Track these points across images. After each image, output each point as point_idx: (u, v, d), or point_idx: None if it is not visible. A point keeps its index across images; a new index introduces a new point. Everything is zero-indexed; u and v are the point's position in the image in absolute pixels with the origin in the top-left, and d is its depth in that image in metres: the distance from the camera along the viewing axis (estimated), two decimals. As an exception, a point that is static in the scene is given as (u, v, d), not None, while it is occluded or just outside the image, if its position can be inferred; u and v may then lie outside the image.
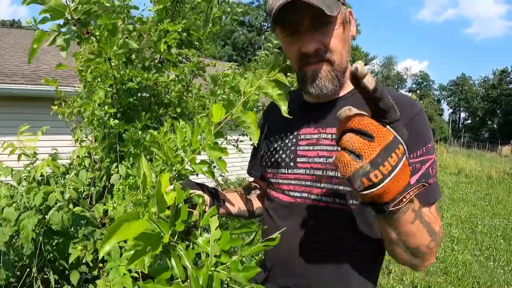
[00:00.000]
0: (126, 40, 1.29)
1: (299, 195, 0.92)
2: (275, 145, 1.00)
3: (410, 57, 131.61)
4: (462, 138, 48.39)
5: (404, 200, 0.60)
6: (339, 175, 0.85)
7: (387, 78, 62.08)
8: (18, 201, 2.12)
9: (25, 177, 2.37)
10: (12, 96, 5.41)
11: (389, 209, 0.59)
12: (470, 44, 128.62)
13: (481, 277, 4.39)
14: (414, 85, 68.03)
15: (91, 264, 1.72)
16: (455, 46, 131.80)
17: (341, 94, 0.94)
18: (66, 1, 0.94)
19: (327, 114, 0.93)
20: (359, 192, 0.54)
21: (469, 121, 66.31)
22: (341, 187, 0.85)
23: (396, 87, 64.18)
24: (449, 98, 67.79)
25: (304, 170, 0.91)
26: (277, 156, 0.98)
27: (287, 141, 0.97)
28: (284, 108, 0.82)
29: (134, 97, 1.96)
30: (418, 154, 0.83)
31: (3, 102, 5.47)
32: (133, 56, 1.94)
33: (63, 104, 2.41)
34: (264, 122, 1.12)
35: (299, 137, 0.95)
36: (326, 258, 0.88)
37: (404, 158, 0.55)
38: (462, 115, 67.91)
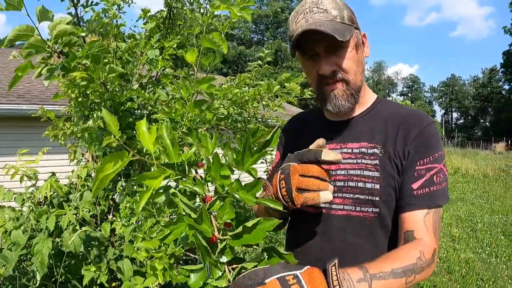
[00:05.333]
0: (112, 66, 1.33)
1: (322, 205, 0.99)
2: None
3: (400, 61, 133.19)
4: (455, 138, 48.74)
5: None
6: (359, 185, 0.94)
7: (378, 83, 62.60)
8: (25, 223, 2.12)
9: (28, 198, 2.38)
10: (7, 116, 5.42)
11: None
12: (458, 46, 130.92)
13: (485, 273, 4.42)
14: (405, 89, 68.72)
15: (106, 285, 1.73)
16: (443, 49, 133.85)
17: (359, 111, 1.04)
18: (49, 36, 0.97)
19: (347, 131, 1.02)
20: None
21: (461, 121, 66.99)
22: (362, 196, 0.94)
23: (387, 91, 64.72)
24: (440, 99, 68.56)
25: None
26: None
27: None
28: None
29: (133, 116, 1.99)
30: (425, 161, 0.92)
31: (1, 122, 5.49)
32: (129, 76, 1.96)
33: (51, 123, 2.39)
34: (285, 140, 1.19)
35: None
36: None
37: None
38: (455, 115, 68.66)
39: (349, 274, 0.69)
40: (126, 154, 0.52)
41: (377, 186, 0.93)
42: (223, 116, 1.73)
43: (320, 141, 0.89)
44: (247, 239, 0.60)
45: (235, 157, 0.63)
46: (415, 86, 68.47)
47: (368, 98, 1.05)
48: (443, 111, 69.12)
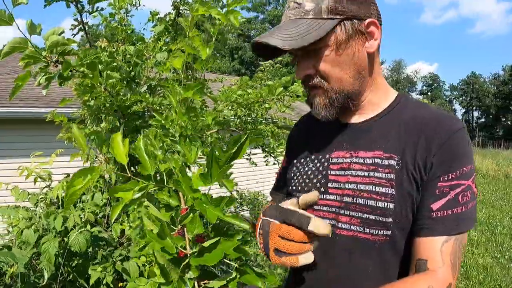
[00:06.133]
0: (109, 73, 1.33)
1: (328, 222, 0.86)
2: (306, 168, 0.94)
3: (420, 59, 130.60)
4: (476, 138, 47.47)
5: None
6: (370, 203, 0.80)
7: (397, 82, 61.58)
8: (36, 223, 2.18)
9: (41, 199, 2.44)
10: (26, 119, 5.58)
11: None
12: (477, 43, 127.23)
13: (503, 280, 4.28)
14: (424, 87, 67.38)
15: (111, 285, 1.76)
16: (462, 46, 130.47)
17: (374, 113, 0.88)
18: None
19: (360, 136, 0.87)
20: None
21: (482, 120, 65.18)
22: (372, 217, 0.80)
23: (407, 90, 63.60)
24: (460, 98, 66.89)
25: (335, 196, 0.86)
26: (308, 180, 0.93)
27: (318, 164, 0.91)
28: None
29: (140, 120, 2.01)
30: (450, 177, 0.76)
31: (13, 125, 5.65)
32: (137, 78, 1.98)
33: (65, 125, 2.45)
34: (293, 145, 1.07)
35: (331, 161, 0.89)
36: None
37: None
38: (475, 114, 66.82)
39: None
40: (96, 169, 0.52)
41: (391, 206, 0.78)
42: (224, 119, 1.72)
43: (311, 195, 0.83)
44: (206, 259, 0.57)
45: (203, 170, 0.61)
46: (435, 85, 67.07)
47: (385, 97, 0.89)
48: (463, 110, 67.49)
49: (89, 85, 1.14)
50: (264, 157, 2.47)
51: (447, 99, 66.96)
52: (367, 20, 0.79)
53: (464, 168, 0.76)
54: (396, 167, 0.79)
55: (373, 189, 0.79)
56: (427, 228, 0.76)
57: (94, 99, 1.62)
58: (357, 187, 0.82)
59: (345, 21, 0.77)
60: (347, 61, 0.80)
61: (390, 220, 0.78)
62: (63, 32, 0.84)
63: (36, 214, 2.37)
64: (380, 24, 0.83)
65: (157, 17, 2.23)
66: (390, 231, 0.78)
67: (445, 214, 0.75)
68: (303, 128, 1.05)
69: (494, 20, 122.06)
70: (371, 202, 0.79)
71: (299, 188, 0.94)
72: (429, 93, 64.51)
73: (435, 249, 0.74)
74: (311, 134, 1.00)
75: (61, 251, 1.77)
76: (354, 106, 0.86)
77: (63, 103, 1.79)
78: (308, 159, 0.95)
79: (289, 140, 1.11)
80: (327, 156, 0.90)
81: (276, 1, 42.34)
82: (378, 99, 0.88)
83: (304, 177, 0.93)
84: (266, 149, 2.36)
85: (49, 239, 1.66)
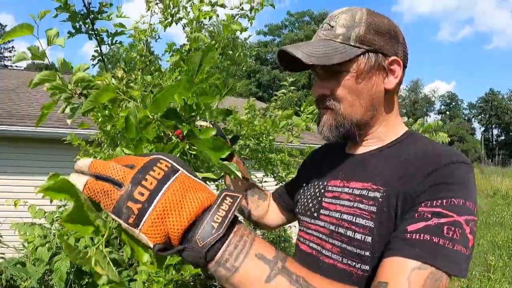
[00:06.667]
0: (127, 105, 1.43)
1: (314, 247, 0.88)
2: (307, 193, 0.98)
3: (437, 78, 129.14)
4: (496, 156, 46.18)
5: (215, 228, 0.44)
6: (348, 233, 0.77)
7: (415, 102, 60.78)
8: (51, 241, 2.29)
9: (57, 218, 2.56)
10: (43, 138, 5.78)
11: (201, 244, 0.44)
12: (494, 59, 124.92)
13: (521, 307, 4.14)
14: (442, 106, 66.32)
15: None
16: (479, 63, 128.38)
17: (376, 146, 0.87)
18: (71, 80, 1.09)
19: (357, 166, 0.86)
20: (134, 229, 0.44)
21: (502, 138, 63.48)
22: (349, 247, 0.77)
23: (425, 110, 62.75)
24: (479, 116, 65.55)
25: (324, 223, 0.86)
26: (305, 202, 0.96)
27: (316, 190, 0.94)
28: None
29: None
30: (434, 204, 0.66)
31: (35, 144, 5.85)
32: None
33: (80, 147, 2.58)
34: (308, 160, 1.12)
35: (327, 188, 0.90)
36: None
37: (178, 173, 0.47)
38: (495, 131, 65.21)
39: (253, 243, 0.48)
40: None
41: (369, 239, 0.73)
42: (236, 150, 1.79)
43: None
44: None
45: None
46: (453, 103, 66.05)
47: (393, 132, 0.86)
48: (483, 128, 66.02)
49: (108, 115, 1.23)
50: (276, 185, 2.54)
51: (466, 117, 65.68)
52: (392, 58, 0.81)
53: (454, 200, 0.66)
54: (380, 199, 0.75)
55: (354, 220, 0.77)
56: (395, 249, 0.65)
57: (112, 126, 1.73)
58: (340, 216, 0.81)
59: (370, 53, 0.79)
60: (363, 91, 0.81)
61: (367, 254, 0.73)
62: (87, 68, 0.94)
63: (50, 232, 2.48)
64: (405, 66, 0.85)
65: (173, 48, 2.36)
66: (368, 266, 0.73)
67: (421, 237, 0.63)
68: (319, 155, 1.08)
69: (510, 35, 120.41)
70: (349, 233, 0.77)
71: (302, 211, 0.97)
72: (447, 112, 63.49)
73: (402, 272, 0.61)
74: (322, 161, 1.02)
75: (72, 269, 1.86)
76: (360, 137, 0.87)
77: (81, 127, 1.91)
78: (310, 184, 0.99)
79: (304, 162, 1.15)
80: (325, 183, 0.92)
81: (292, 24, 42.99)
82: (385, 134, 0.87)
83: (304, 201, 0.97)
84: (276, 178, 2.43)
85: (61, 257, 1.76)
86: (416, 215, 0.67)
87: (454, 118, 59.78)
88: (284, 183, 1.19)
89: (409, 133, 0.86)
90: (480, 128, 66.67)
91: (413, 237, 0.64)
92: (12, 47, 48.88)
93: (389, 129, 0.87)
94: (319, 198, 0.91)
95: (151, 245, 0.44)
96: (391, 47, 0.81)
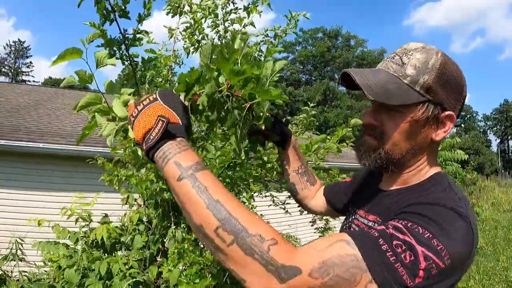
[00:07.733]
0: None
1: None
2: (347, 214, 1.08)
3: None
4: (514, 169, 45.06)
5: (152, 138, 0.69)
6: None
7: (427, 116, 59.96)
8: (77, 261, 2.32)
9: (81, 237, 2.59)
10: (66, 155, 5.87)
11: (145, 146, 0.71)
12: (508, 69, 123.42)
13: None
14: (458, 120, 65.19)
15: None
16: (493, 74, 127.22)
17: (398, 186, 0.89)
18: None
19: (379, 202, 0.92)
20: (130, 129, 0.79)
21: (519, 150, 62.13)
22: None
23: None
24: (495, 128, 64.46)
25: None
26: (343, 225, 1.06)
27: (350, 215, 1.03)
28: None
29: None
30: (398, 221, 0.67)
31: (58, 161, 5.96)
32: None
33: (104, 165, 2.63)
34: (356, 180, 1.15)
35: (355, 216, 0.99)
36: None
37: (154, 102, 0.74)
38: (511, 143, 63.88)
39: (178, 155, 0.69)
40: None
41: None
42: (257, 174, 1.82)
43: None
44: None
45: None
46: (468, 116, 65.13)
47: (418, 178, 0.87)
48: (498, 140, 64.76)
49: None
50: (298, 206, 2.55)
51: (481, 130, 64.66)
52: (448, 112, 0.82)
53: (421, 228, 0.64)
54: None
55: None
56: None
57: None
58: None
59: (430, 104, 0.80)
60: (411, 135, 0.82)
61: None
62: (132, 92, 0.97)
63: (75, 252, 2.51)
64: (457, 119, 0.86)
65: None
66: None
67: (370, 231, 0.66)
68: (362, 178, 1.12)
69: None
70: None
71: (341, 227, 1.06)
72: (462, 125, 62.61)
73: (331, 238, 0.65)
74: (362, 187, 1.08)
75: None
76: (391, 173, 0.88)
77: (114, 151, 1.96)
78: (349, 207, 1.08)
79: (354, 177, 1.20)
80: (356, 210, 1.00)
81: (305, 41, 43.12)
82: (411, 178, 0.88)
83: (344, 221, 1.07)
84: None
85: (93, 282, 1.78)
86: (372, 223, 0.83)
87: (469, 130, 58.87)
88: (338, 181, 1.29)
89: (431, 180, 0.85)
90: (496, 140, 65.47)
91: (365, 229, 0.75)
92: (30, 62, 50.33)
93: (418, 175, 0.87)
94: (349, 224, 1.01)
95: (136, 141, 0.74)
96: (452, 100, 0.82)
